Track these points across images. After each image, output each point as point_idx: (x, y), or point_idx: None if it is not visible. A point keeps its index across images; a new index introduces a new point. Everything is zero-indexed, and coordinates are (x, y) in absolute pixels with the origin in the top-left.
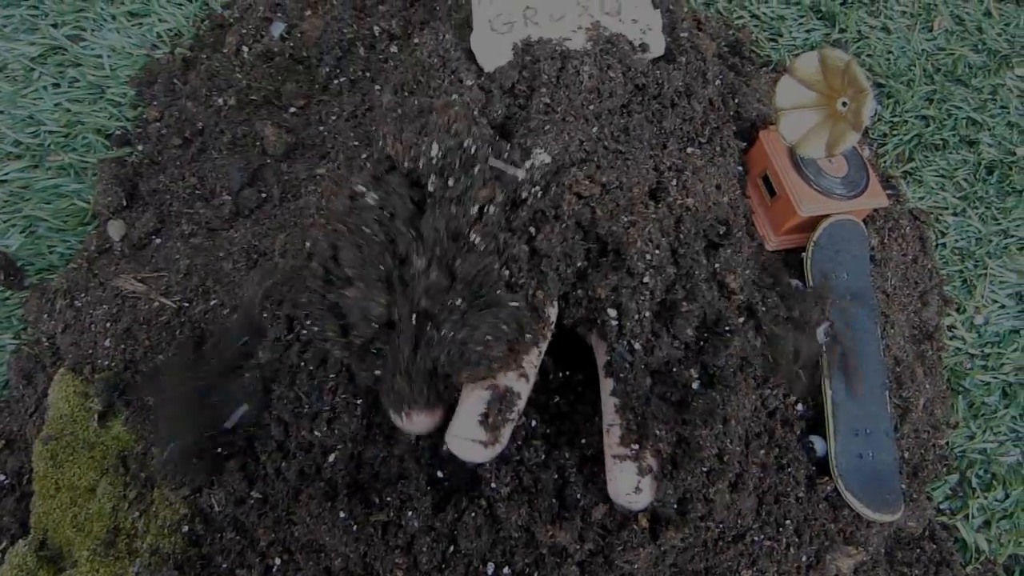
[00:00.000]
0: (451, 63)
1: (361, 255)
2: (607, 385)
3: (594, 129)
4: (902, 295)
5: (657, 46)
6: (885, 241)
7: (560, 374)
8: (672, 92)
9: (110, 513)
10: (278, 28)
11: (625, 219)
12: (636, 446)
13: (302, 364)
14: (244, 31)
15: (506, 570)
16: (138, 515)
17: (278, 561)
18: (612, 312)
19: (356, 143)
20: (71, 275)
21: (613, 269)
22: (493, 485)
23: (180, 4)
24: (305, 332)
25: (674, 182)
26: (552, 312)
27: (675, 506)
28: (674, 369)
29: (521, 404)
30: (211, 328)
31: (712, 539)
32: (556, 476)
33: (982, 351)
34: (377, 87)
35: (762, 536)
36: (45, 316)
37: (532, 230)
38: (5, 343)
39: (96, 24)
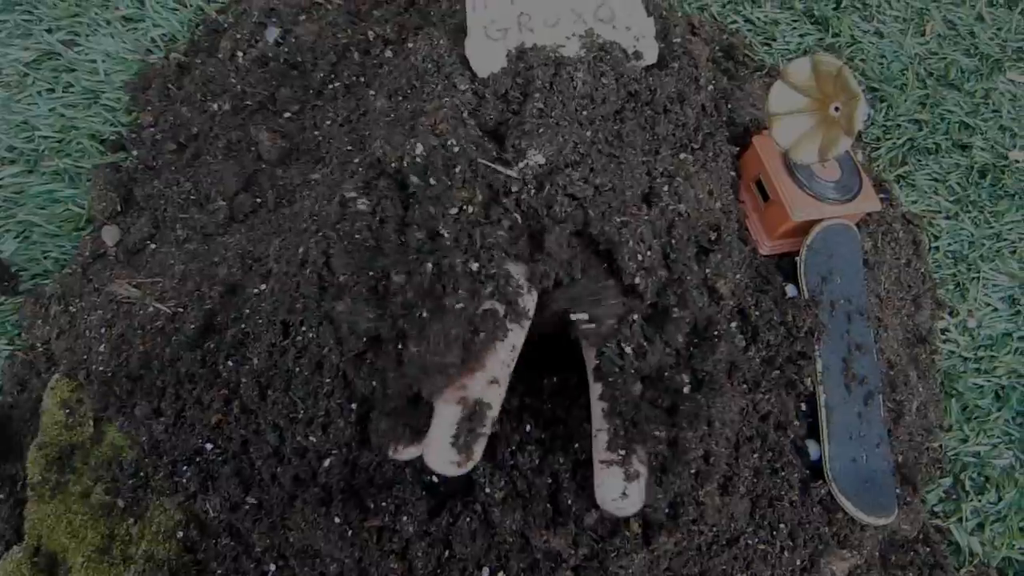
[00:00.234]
0: (445, 68)
1: (353, 262)
2: (595, 390)
3: (588, 133)
4: (895, 299)
5: (650, 53)
6: (878, 245)
7: (554, 378)
8: (665, 98)
9: (105, 519)
10: (273, 33)
11: (618, 219)
12: (623, 452)
13: (297, 370)
14: (239, 36)
15: (501, 575)
16: (133, 521)
17: (273, 567)
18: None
19: (350, 148)
20: (66, 280)
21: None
22: (487, 490)
23: (175, 9)
24: (300, 338)
25: (666, 188)
26: (530, 302)
27: (666, 510)
28: (665, 375)
29: (493, 413)
30: None
31: (706, 543)
32: (550, 481)
33: (975, 354)
34: (371, 92)
35: (756, 540)
36: (39, 322)
37: (517, 216)
38: None
39: (90, 29)
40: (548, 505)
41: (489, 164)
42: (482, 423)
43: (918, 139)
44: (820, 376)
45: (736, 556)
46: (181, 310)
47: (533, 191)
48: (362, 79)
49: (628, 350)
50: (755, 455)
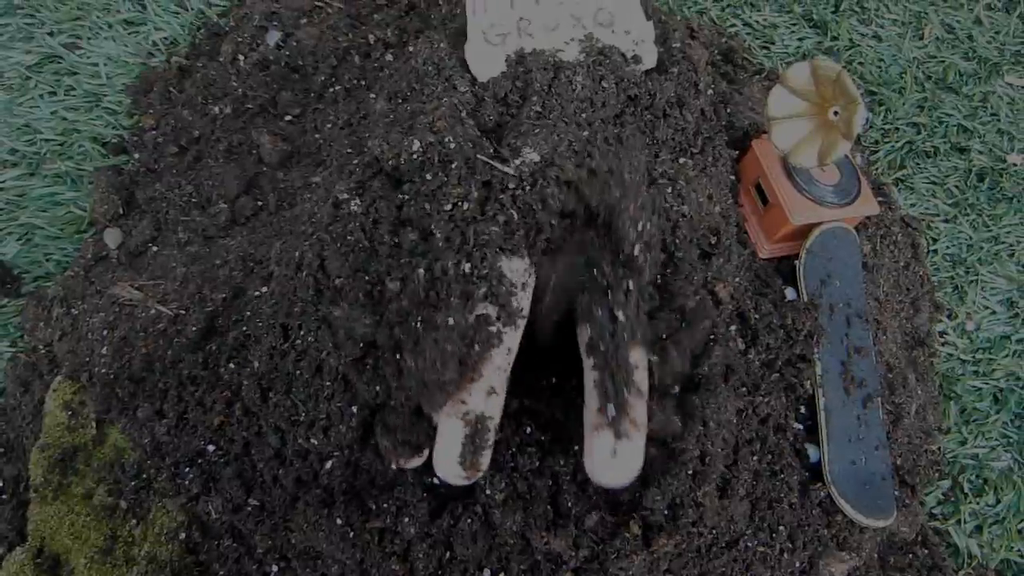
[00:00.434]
0: (446, 71)
1: (348, 264)
2: (588, 364)
3: (585, 133)
4: (894, 301)
5: (650, 58)
6: (877, 248)
7: (553, 379)
8: (664, 103)
9: (107, 521)
10: (274, 37)
11: (616, 192)
12: (614, 414)
13: (298, 373)
14: (240, 40)
15: None
16: (135, 523)
17: (275, 568)
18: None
19: (351, 151)
20: (68, 283)
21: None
22: (488, 492)
23: (176, 13)
24: (299, 342)
25: (669, 190)
26: (524, 300)
27: (666, 512)
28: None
29: (495, 423)
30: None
31: (705, 545)
32: (550, 483)
33: (973, 357)
34: (372, 95)
35: (756, 542)
36: (42, 324)
37: (513, 213)
38: (2, 351)
39: (92, 33)
40: (548, 507)
41: (486, 160)
42: (485, 438)
43: (916, 142)
44: (819, 379)
45: (736, 558)
46: (183, 312)
47: (528, 187)
48: (363, 82)
49: (621, 316)
50: (755, 458)
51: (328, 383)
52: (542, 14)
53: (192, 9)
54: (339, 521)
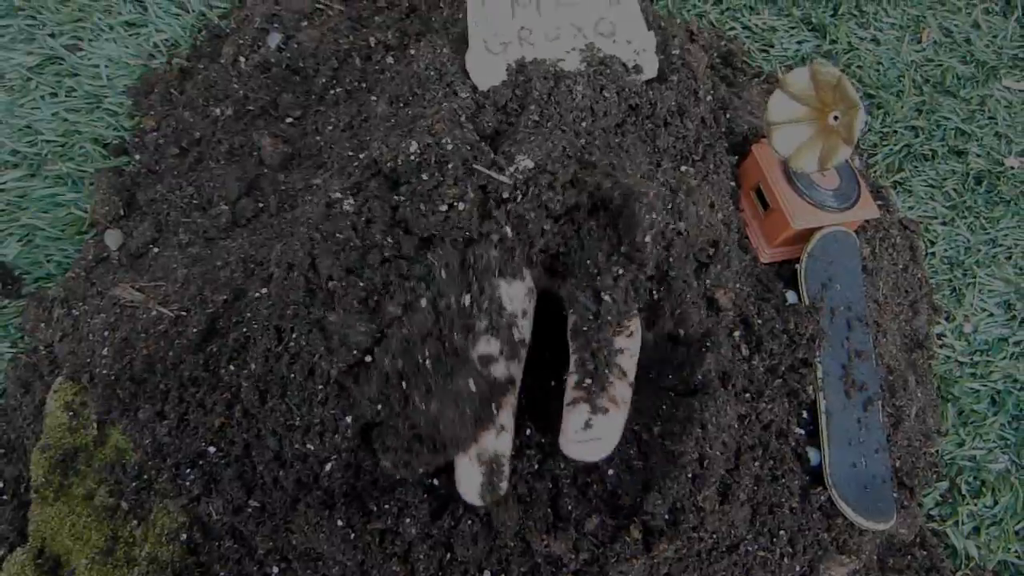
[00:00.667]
0: (447, 76)
1: (339, 263)
2: (572, 347)
3: (582, 141)
4: (893, 304)
5: (650, 67)
6: (876, 251)
7: (553, 383)
8: (665, 112)
9: (108, 521)
10: (275, 39)
11: (629, 181)
12: (592, 389)
13: (292, 376)
14: (241, 42)
15: None
16: (136, 524)
17: (276, 569)
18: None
19: (351, 153)
20: (69, 284)
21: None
22: None
23: (177, 14)
24: (292, 344)
25: (669, 206)
26: (526, 330)
27: (666, 517)
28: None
29: (508, 454)
30: None
31: (706, 550)
32: (550, 486)
33: (971, 359)
34: (373, 98)
35: (756, 546)
36: (43, 325)
37: (507, 230)
38: (3, 352)
39: (93, 34)
40: (548, 509)
41: (483, 170)
42: (501, 472)
43: (915, 145)
44: (820, 382)
45: (736, 562)
46: (184, 314)
47: (521, 196)
48: (363, 85)
49: (607, 298)
50: (756, 463)
51: (321, 387)
52: (544, 23)
53: (193, 11)
54: (340, 522)
